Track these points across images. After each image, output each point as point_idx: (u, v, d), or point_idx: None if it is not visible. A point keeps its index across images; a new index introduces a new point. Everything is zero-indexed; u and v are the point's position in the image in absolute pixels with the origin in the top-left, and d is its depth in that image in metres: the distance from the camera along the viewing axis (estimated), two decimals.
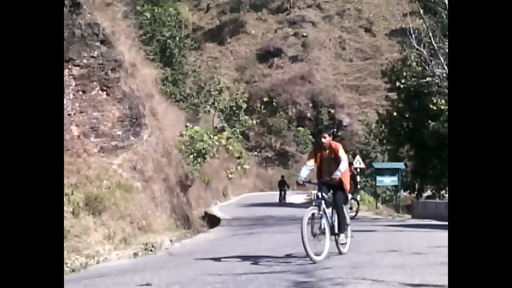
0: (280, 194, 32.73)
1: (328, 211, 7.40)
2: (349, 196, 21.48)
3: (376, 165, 29.32)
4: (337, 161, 7.42)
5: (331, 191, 7.64)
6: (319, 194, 7.41)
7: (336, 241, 7.54)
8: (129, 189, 11.48)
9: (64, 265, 7.38)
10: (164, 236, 11.34)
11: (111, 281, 6.22)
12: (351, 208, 18.63)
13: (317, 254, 6.83)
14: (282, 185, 33.03)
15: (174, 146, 19.17)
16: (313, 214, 7.11)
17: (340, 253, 7.51)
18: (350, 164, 20.01)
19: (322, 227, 7.11)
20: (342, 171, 7.34)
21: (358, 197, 19.49)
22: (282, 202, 31.95)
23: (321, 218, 7.14)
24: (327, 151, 7.58)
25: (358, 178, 20.08)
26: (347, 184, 7.58)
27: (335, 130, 63.93)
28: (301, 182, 7.66)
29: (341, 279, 5.40)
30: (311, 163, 7.62)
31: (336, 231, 7.48)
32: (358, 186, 20.41)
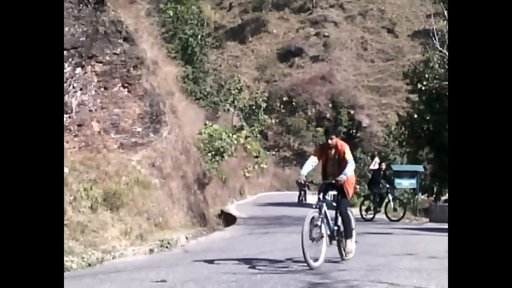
0: (300, 194, 31.68)
1: (330, 213, 7.12)
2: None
3: (395, 167, 29.07)
4: (341, 162, 7.14)
5: (335, 192, 7.33)
6: (321, 196, 7.12)
7: (339, 245, 7.25)
8: (147, 185, 11.57)
9: (81, 259, 7.46)
10: (180, 233, 11.40)
11: (126, 276, 6.28)
12: (395, 210, 18.39)
13: (315, 260, 6.59)
14: (303, 185, 32.75)
15: (193, 144, 19.25)
16: (313, 217, 6.81)
17: (342, 258, 7.20)
18: (380, 163, 20.06)
19: (322, 231, 6.82)
20: (348, 175, 7.05)
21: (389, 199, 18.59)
22: (301, 203, 30.89)
23: (321, 221, 6.83)
24: (333, 151, 7.27)
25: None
26: (349, 189, 7.27)
27: (354, 131, 63.66)
28: (301, 182, 7.41)
29: (356, 282, 5.38)
30: (314, 160, 7.36)
31: (341, 237, 7.23)
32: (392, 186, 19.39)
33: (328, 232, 7.02)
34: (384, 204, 18.55)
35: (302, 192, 31.29)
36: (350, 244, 7.21)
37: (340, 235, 7.22)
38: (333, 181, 7.09)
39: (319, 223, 6.76)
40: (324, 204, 7.01)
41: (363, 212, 18.44)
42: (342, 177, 6.94)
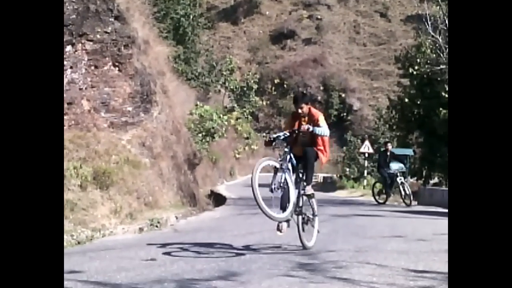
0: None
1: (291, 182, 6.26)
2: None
3: None
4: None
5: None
6: (287, 149, 6.26)
7: (299, 231, 6.44)
8: (137, 165, 11.55)
9: (70, 237, 7.47)
10: (170, 212, 11.42)
11: (116, 254, 6.30)
12: (405, 194, 16.57)
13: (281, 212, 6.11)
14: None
15: (184, 124, 19.20)
16: (275, 168, 6.12)
17: (304, 247, 6.39)
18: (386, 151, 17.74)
19: (282, 180, 6.05)
20: (318, 133, 6.37)
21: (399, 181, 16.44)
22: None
23: (284, 173, 6.09)
24: (306, 119, 6.53)
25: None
26: (322, 149, 6.56)
27: (345, 114, 63.77)
28: (269, 139, 6.60)
29: (344, 263, 5.43)
30: (286, 133, 6.47)
31: (303, 187, 6.48)
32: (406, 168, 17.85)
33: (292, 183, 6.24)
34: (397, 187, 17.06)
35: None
36: (310, 188, 6.55)
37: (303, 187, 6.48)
38: (297, 130, 6.40)
39: (281, 173, 6.07)
40: (289, 157, 6.25)
41: (376, 196, 17.63)
42: (309, 127, 6.31)
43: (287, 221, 6.30)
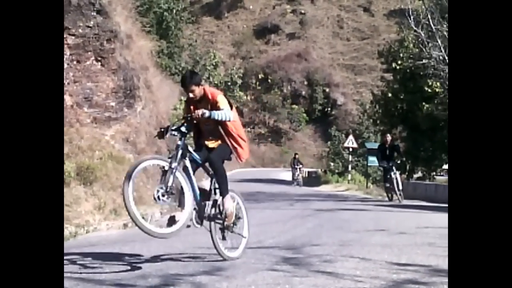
0: (294, 174, 29.56)
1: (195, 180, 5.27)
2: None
3: (368, 145, 29.43)
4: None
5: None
6: (180, 143, 5.04)
7: (213, 239, 5.29)
8: (121, 160, 11.48)
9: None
10: (154, 208, 11.37)
11: (100, 250, 6.26)
12: (397, 187, 15.26)
13: (164, 226, 4.93)
14: (296, 164, 29.64)
15: (168, 119, 19.11)
16: (163, 170, 4.89)
17: (224, 258, 5.27)
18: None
19: (170, 183, 4.79)
20: (217, 118, 5.13)
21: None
22: (296, 182, 28.67)
23: (173, 174, 4.82)
24: (202, 104, 5.28)
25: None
26: (239, 144, 5.40)
27: (329, 109, 63.98)
28: (160, 130, 5.22)
29: (329, 256, 5.46)
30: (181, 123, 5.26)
31: (216, 197, 5.45)
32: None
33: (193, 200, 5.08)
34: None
35: (296, 172, 29.26)
36: (228, 202, 5.38)
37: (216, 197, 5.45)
38: (189, 117, 5.19)
39: (171, 175, 4.81)
40: (181, 152, 5.01)
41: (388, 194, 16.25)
42: (199, 112, 5.08)
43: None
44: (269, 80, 65.87)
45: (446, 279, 4.30)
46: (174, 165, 4.86)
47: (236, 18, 78.07)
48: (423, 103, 23.10)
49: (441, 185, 18.99)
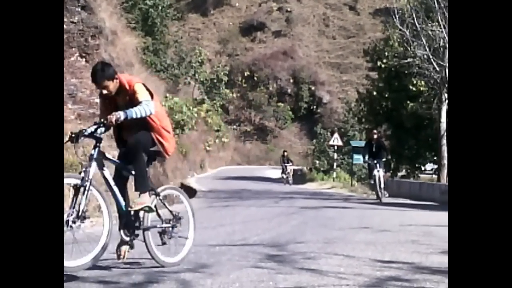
0: (283, 172, 28.81)
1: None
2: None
3: (354, 143, 29.58)
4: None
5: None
6: (93, 151, 4.53)
7: (147, 246, 4.80)
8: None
9: None
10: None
11: (83, 248, 6.21)
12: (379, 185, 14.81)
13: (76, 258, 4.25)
14: (286, 161, 28.77)
15: None
16: (74, 188, 4.35)
17: (161, 265, 4.76)
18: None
19: (82, 208, 4.36)
20: (137, 116, 4.42)
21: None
22: (286, 180, 27.65)
23: (84, 193, 4.34)
24: (120, 97, 4.63)
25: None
26: (159, 138, 4.73)
27: (315, 107, 64.13)
28: (70, 135, 4.58)
29: (313, 254, 5.48)
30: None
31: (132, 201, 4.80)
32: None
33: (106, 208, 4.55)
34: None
35: (286, 170, 28.28)
36: (144, 199, 4.71)
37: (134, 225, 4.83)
38: (102, 124, 4.47)
39: (82, 196, 4.33)
40: (94, 164, 4.48)
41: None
42: (113, 118, 4.32)
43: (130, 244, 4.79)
44: (255, 78, 65.83)
45: (428, 276, 4.35)
46: (86, 183, 4.34)
47: (222, 15, 77.90)
48: (408, 102, 23.28)
49: (425, 183, 19.15)
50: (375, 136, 15.78)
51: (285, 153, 29.98)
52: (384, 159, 15.41)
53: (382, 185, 15.04)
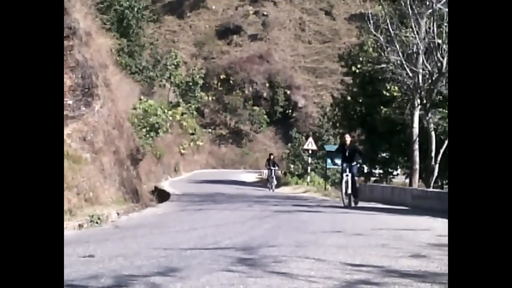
0: (269, 176, 27.31)
1: None
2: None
3: (328, 147, 29.74)
4: None
5: None
6: None
7: None
8: (78, 160, 11.29)
9: None
10: (111, 208, 11.23)
11: None
12: (353, 191, 14.13)
13: None
14: (271, 165, 27.17)
15: (127, 119, 18.89)
16: None
17: None
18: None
19: None
20: None
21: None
22: (271, 185, 26.26)
23: None
24: None
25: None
26: None
27: (290, 111, 64.37)
28: None
29: (284, 257, 5.49)
30: None
31: None
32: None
33: None
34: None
35: (272, 174, 26.83)
36: None
37: None
38: None
39: None
40: None
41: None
42: None
43: None
44: (231, 81, 65.83)
45: (397, 280, 4.39)
46: None
47: (199, 18, 77.73)
48: (381, 107, 23.53)
49: (397, 187, 19.36)
50: (348, 140, 14.81)
51: (272, 157, 28.26)
52: (356, 164, 14.51)
53: (349, 191, 14.24)
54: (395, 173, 27.52)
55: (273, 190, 25.65)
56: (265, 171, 39.15)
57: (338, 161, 15.56)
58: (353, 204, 14.35)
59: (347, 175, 14.28)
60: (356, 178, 14.90)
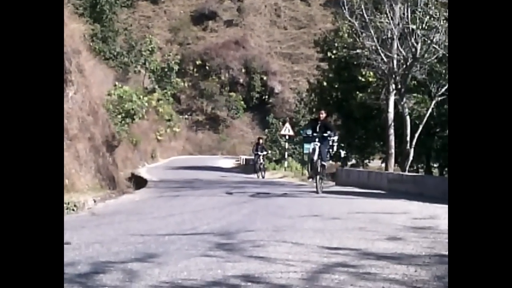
0: (256, 162, 24.73)
1: None
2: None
3: (305, 133, 29.81)
4: None
5: None
6: None
7: None
8: None
9: None
10: (87, 196, 11.12)
11: None
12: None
13: None
14: (260, 150, 24.68)
15: (102, 105, 18.66)
16: None
17: None
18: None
19: None
20: None
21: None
22: (260, 171, 24.03)
23: None
24: None
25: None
26: None
27: (266, 97, 64.38)
28: None
29: (262, 242, 5.52)
30: None
31: None
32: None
33: None
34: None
35: (259, 160, 24.47)
36: None
37: None
38: None
39: None
40: None
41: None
42: None
43: None
44: (207, 67, 65.47)
45: (374, 262, 4.45)
46: None
47: (173, 3, 76.83)
48: (357, 92, 23.65)
49: (373, 172, 19.57)
50: (323, 116, 13.90)
51: (260, 141, 25.84)
52: (328, 136, 13.22)
53: (318, 164, 12.97)
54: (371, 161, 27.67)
55: (263, 177, 23.63)
56: (243, 157, 38.95)
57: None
58: (320, 187, 13.07)
59: (316, 144, 12.92)
60: (327, 155, 13.51)
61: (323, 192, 13.39)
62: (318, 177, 13.17)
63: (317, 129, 13.33)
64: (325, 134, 13.15)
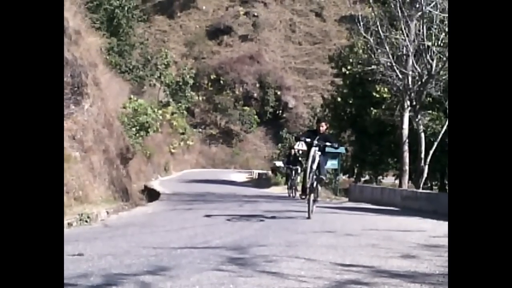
0: (288, 179, 20.50)
1: None
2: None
3: None
4: None
5: None
6: None
7: None
8: (67, 158, 11.21)
9: None
10: (100, 207, 11.17)
11: None
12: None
13: None
14: (293, 162, 20.32)
15: (117, 118, 18.81)
16: None
17: None
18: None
19: None
20: None
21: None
22: (292, 191, 19.77)
23: None
24: None
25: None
26: None
27: (280, 111, 64.42)
28: None
29: (275, 257, 5.48)
30: None
31: None
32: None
33: None
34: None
35: (293, 173, 19.98)
36: None
37: None
38: None
39: None
40: None
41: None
42: None
43: None
44: (221, 81, 65.78)
45: (387, 280, 4.40)
46: None
47: (189, 18, 77.54)
48: (371, 108, 23.61)
49: (387, 188, 19.44)
50: (324, 128, 10.77)
51: (294, 152, 21.15)
52: (330, 145, 10.63)
53: (313, 176, 10.24)
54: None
55: (295, 196, 19.04)
56: (256, 171, 38.68)
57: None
58: (312, 210, 10.63)
59: (317, 152, 10.22)
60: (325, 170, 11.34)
61: (336, 208, 13.30)
62: (311, 196, 10.46)
63: (316, 141, 10.35)
64: (328, 144, 10.43)
